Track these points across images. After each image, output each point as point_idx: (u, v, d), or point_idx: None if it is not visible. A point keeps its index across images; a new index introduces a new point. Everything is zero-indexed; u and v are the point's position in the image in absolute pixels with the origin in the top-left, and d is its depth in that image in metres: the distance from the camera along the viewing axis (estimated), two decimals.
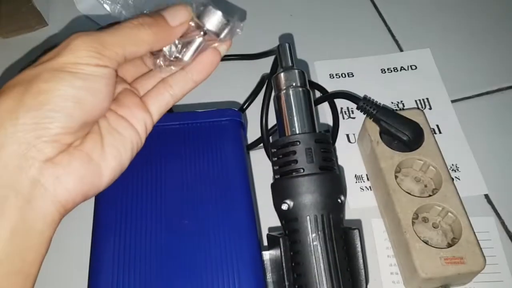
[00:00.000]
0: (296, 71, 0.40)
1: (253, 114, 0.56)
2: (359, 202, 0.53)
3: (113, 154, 0.31)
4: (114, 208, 0.38)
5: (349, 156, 0.56)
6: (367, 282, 0.35)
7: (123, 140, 0.32)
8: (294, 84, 0.39)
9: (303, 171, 0.36)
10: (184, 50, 0.34)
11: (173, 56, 0.34)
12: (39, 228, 0.28)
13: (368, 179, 0.54)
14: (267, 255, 0.38)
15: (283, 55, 0.41)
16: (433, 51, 0.64)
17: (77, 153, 0.29)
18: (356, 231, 0.36)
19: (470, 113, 0.58)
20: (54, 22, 0.67)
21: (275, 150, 0.38)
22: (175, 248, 0.37)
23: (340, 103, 0.58)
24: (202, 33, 0.34)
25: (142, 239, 0.37)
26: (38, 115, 0.27)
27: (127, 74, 0.36)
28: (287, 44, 0.42)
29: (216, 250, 0.37)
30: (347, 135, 0.57)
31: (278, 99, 0.40)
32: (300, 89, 0.39)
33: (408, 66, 0.62)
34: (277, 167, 0.38)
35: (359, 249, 0.36)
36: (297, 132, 0.38)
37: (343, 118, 0.58)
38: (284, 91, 0.39)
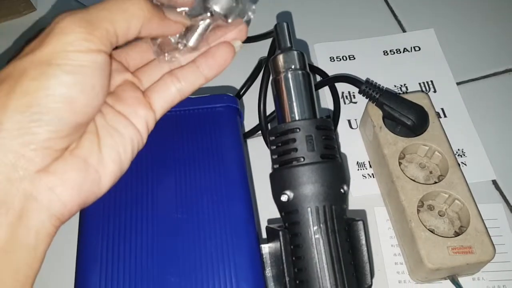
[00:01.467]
0: (295, 52, 0.37)
1: (250, 100, 0.54)
2: (361, 190, 0.51)
3: (112, 156, 0.28)
4: (102, 199, 0.36)
5: (350, 142, 0.54)
6: (372, 275, 0.33)
7: (123, 140, 0.29)
8: (293, 67, 0.37)
9: (304, 160, 0.34)
10: (189, 34, 0.31)
11: (177, 42, 0.31)
12: (32, 244, 0.25)
13: (370, 166, 0.52)
14: (266, 248, 0.36)
15: (281, 35, 0.39)
16: (437, 32, 0.61)
17: (73, 159, 0.27)
18: (360, 223, 0.34)
19: (477, 96, 0.56)
20: (43, 7, 0.65)
21: (273, 138, 0.36)
22: (169, 242, 0.35)
23: (341, 87, 0.56)
24: (208, 14, 0.30)
25: (133, 233, 0.35)
26: (24, 119, 0.24)
27: (131, 62, 0.33)
28: (285, 24, 0.39)
29: (212, 243, 0.35)
30: (349, 121, 0.55)
31: (276, 83, 0.37)
32: (300, 72, 0.37)
33: (411, 48, 0.60)
34: (276, 156, 0.36)
35: (363, 241, 0.34)
36: (297, 118, 0.36)
37: (344, 103, 0.56)
38: (282, 75, 0.37)
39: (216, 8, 0.30)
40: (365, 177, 0.52)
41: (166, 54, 0.31)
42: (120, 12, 0.27)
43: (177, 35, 0.31)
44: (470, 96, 0.56)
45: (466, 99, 0.56)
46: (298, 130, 0.34)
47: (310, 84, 0.37)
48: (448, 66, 0.58)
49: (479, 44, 0.60)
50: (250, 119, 0.52)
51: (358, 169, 0.52)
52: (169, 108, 0.32)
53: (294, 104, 0.36)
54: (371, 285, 0.33)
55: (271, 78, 0.38)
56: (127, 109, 0.30)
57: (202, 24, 0.31)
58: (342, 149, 0.53)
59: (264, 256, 0.35)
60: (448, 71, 0.58)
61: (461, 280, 0.44)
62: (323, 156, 0.34)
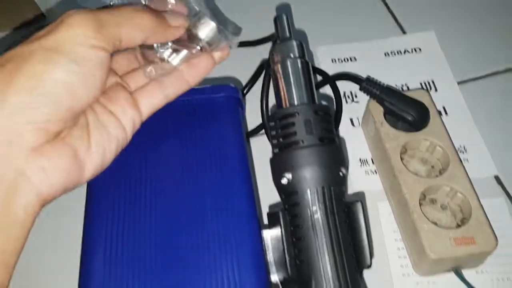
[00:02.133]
0: (294, 41, 0.38)
1: (252, 101, 0.54)
2: (364, 186, 0.51)
3: (98, 151, 0.31)
4: (107, 189, 0.36)
5: (353, 140, 0.54)
6: (371, 256, 0.34)
7: (109, 137, 0.31)
8: (292, 55, 0.38)
9: (303, 143, 0.35)
10: (174, 55, 0.34)
11: (163, 59, 0.34)
12: (21, 219, 0.27)
13: (373, 162, 0.52)
14: (267, 233, 0.36)
15: (280, 27, 0.40)
16: (438, 33, 0.62)
17: (64, 146, 0.28)
18: (359, 204, 0.34)
19: (477, 94, 0.57)
20: (52, 15, 0.67)
21: (273, 123, 0.37)
22: (172, 229, 0.35)
23: (343, 87, 0.57)
24: (196, 46, 0.34)
25: (137, 221, 0.35)
26: (27, 99, 0.26)
27: (119, 68, 0.35)
28: (284, 15, 0.40)
29: (214, 230, 0.35)
30: (351, 119, 0.56)
31: (275, 71, 0.38)
32: (298, 60, 0.38)
33: (412, 49, 0.61)
34: (276, 141, 0.36)
35: (362, 222, 0.34)
36: (296, 103, 0.36)
37: (347, 102, 0.57)
38: (281, 63, 0.38)
39: (202, 37, 0.34)
40: (368, 173, 0.52)
41: (151, 69, 0.35)
42: (128, 22, 0.29)
43: (165, 55, 0.34)
44: (471, 95, 0.56)
45: (467, 97, 0.56)
46: (297, 114, 0.35)
47: (309, 71, 0.38)
48: (448, 66, 0.59)
49: (479, 44, 0.61)
50: (253, 120, 0.53)
51: (361, 166, 0.52)
52: (155, 111, 0.35)
53: (293, 90, 0.37)
54: (371, 265, 0.34)
55: (271, 68, 0.39)
56: (117, 108, 0.32)
57: (187, 49, 0.34)
58: (345, 147, 0.54)
59: (265, 242, 0.36)
60: (449, 71, 0.59)
61: (465, 273, 0.44)
62: (321, 139, 0.35)
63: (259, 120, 0.52)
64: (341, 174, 0.35)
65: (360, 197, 0.49)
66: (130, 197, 0.37)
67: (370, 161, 0.53)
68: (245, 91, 0.55)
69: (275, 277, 0.35)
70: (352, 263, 0.33)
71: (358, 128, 0.55)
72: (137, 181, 0.37)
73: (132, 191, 0.37)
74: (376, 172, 0.52)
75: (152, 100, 0.34)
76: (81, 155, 0.29)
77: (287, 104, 0.37)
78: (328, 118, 0.36)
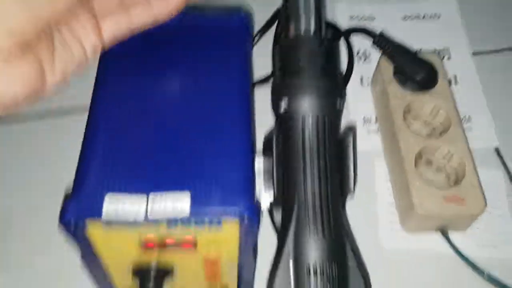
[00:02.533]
0: None
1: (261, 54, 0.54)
2: (365, 145, 0.51)
3: (61, 68, 0.30)
4: (115, 82, 0.37)
5: (359, 98, 0.54)
6: (355, 182, 0.35)
7: (72, 57, 0.31)
8: None
9: (303, 71, 0.35)
10: None
11: None
12: None
13: (376, 122, 0.53)
14: (260, 157, 0.36)
15: None
16: (459, 0, 0.61)
17: (31, 57, 0.28)
18: (350, 133, 0.35)
19: (491, 67, 0.56)
20: None
21: (277, 52, 0.37)
22: (170, 130, 0.35)
23: (357, 44, 0.57)
24: None
25: (138, 116, 0.35)
26: (7, 5, 0.25)
27: None
28: None
29: (206, 141, 0.34)
30: (361, 78, 0.56)
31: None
32: None
33: (431, 14, 0.60)
34: (278, 69, 0.37)
35: (350, 148, 0.35)
36: (302, 33, 0.37)
37: (358, 62, 0.57)
38: None
39: None
40: (370, 132, 0.52)
41: None
42: None
43: None
44: (484, 67, 0.56)
45: (480, 69, 0.56)
46: (301, 44, 0.35)
47: (319, 2, 0.37)
48: (466, 35, 0.58)
49: (501, 16, 0.60)
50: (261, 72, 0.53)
51: (364, 124, 0.53)
52: (116, 41, 0.34)
53: (300, 18, 0.37)
54: (354, 192, 0.35)
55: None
56: (81, 32, 0.31)
57: None
58: (351, 104, 0.54)
59: (258, 166, 0.36)
60: (465, 41, 0.58)
61: (452, 235, 0.45)
62: (322, 69, 0.35)
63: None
64: (337, 106, 0.35)
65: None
66: (133, 96, 0.37)
67: (373, 120, 0.53)
68: (254, 41, 0.54)
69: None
70: (336, 192, 0.34)
71: (366, 88, 0.55)
72: (140, 97, 0.38)
73: (135, 93, 0.37)
74: (377, 131, 0.52)
75: (115, 31, 0.34)
76: (45, 69, 0.29)
77: (293, 34, 0.37)
78: (331, 50, 0.36)
